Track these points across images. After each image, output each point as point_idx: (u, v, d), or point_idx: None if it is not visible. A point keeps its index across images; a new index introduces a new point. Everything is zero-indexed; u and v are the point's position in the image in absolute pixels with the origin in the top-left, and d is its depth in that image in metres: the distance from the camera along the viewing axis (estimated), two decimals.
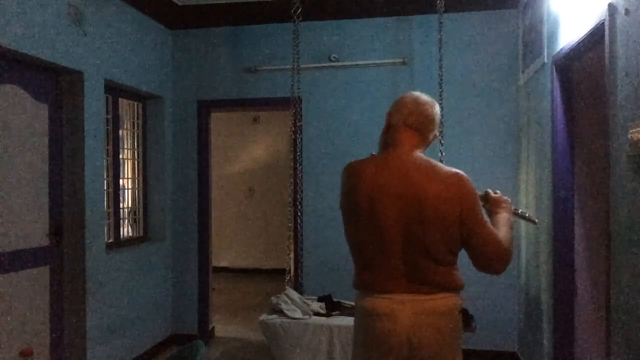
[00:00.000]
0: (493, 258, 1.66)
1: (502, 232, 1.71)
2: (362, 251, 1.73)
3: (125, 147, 4.14)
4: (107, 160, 3.71)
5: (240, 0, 3.83)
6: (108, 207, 3.75)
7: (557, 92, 2.87)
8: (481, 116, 3.97)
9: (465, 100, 3.98)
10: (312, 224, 4.16)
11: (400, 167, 1.68)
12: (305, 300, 3.22)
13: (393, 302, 1.66)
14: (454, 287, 1.72)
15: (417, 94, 1.81)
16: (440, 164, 1.72)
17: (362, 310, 1.74)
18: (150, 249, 4.17)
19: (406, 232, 1.64)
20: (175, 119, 4.45)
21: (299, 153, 3.99)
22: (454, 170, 1.69)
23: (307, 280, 4.06)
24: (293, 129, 3.84)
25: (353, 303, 2.25)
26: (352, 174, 1.74)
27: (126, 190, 4.13)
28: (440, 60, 3.40)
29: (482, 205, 1.78)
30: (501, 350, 3.89)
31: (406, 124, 1.74)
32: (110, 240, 3.78)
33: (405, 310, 1.65)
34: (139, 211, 4.27)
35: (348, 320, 2.94)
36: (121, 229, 3.97)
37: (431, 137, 1.81)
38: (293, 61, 3.64)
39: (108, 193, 3.76)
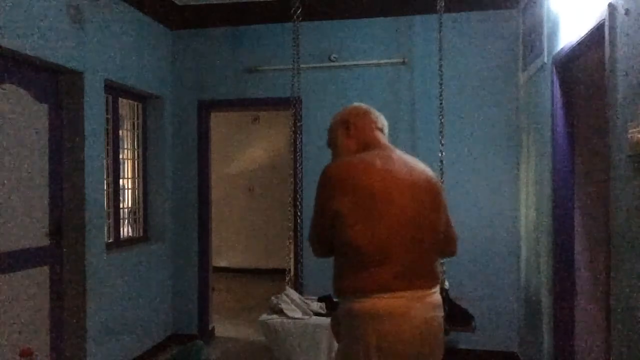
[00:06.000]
0: (455, 241, 1.89)
1: None
2: (371, 248, 1.64)
3: (125, 147, 4.14)
4: (107, 160, 3.71)
5: (240, 0, 3.83)
6: (108, 207, 3.75)
7: (557, 92, 2.87)
8: (481, 116, 3.97)
9: (465, 100, 3.98)
10: None
11: (401, 160, 1.77)
12: (306, 300, 3.22)
13: (406, 300, 1.63)
14: (438, 280, 1.79)
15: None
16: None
17: (365, 313, 1.64)
18: (150, 249, 4.16)
19: (417, 222, 1.68)
20: (175, 119, 4.45)
21: (299, 153, 3.99)
22: None
23: (307, 281, 4.06)
24: (293, 129, 3.84)
25: None
26: (359, 169, 1.70)
27: (126, 190, 4.13)
28: (440, 60, 3.40)
29: None
30: (501, 350, 3.89)
31: (377, 128, 1.88)
32: (110, 240, 3.78)
33: (416, 307, 1.64)
34: (139, 211, 4.27)
35: None
36: (121, 229, 3.97)
37: None
38: (293, 61, 3.64)
39: (108, 193, 3.75)
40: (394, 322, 1.62)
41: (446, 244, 1.83)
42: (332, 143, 1.93)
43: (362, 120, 1.87)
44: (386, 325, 1.62)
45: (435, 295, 1.72)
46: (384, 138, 1.88)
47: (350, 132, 1.86)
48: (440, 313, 1.72)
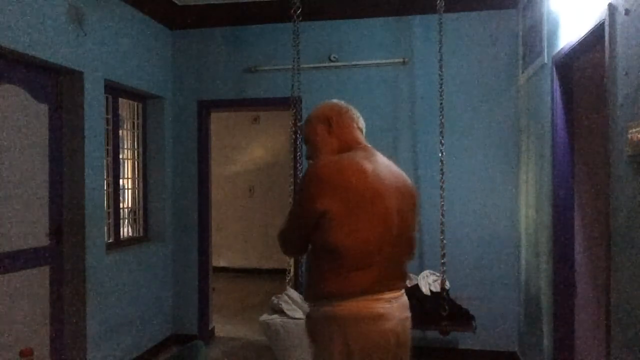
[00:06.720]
0: (415, 245, 1.87)
1: None
2: (357, 251, 1.61)
3: (125, 147, 4.14)
4: (107, 160, 3.71)
5: (240, 0, 3.83)
6: (108, 207, 3.75)
7: (557, 92, 2.87)
8: (481, 116, 3.97)
9: (465, 100, 3.98)
10: None
11: (384, 164, 1.75)
12: None
13: (386, 302, 1.65)
14: (406, 281, 1.81)
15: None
16: None
17: (349, 316, 1.62)
18: (150, 249, 4.16)
19: (399, 226, 1.68)
20: (175, 119, 4.45)
21: (299, 153, 3.98)
22: None
23: None
24: (293, 129, 3.84)
25: None
26: (350, 171, 1.64)
27: (126, 190, 4.13)
28: (440, 60, 3.40)
29: None
30: (501, 350, 3.89)
31: (358, 127, 1.85)
32: (110, 240, 3.78)
33: (393, 308, 1.67)
34: (139, 211, 4.27)
35: None
36: (121, 229, 3.97)
37: None
38: (293, 61, 3.64)
39: (108, 193, 3.75)
40: (375, 324, 1.63)
41: (413, 247, 1.84)
42: (310, 139, 1.85)
43: (344, 119, 1.82)
44: (368, 327, 1.62)
45: (405, 296, 1.76)
46: (364, 139, 1.84)
47: (332, 129, 1.80)
48: (410, 313, 1.77)
